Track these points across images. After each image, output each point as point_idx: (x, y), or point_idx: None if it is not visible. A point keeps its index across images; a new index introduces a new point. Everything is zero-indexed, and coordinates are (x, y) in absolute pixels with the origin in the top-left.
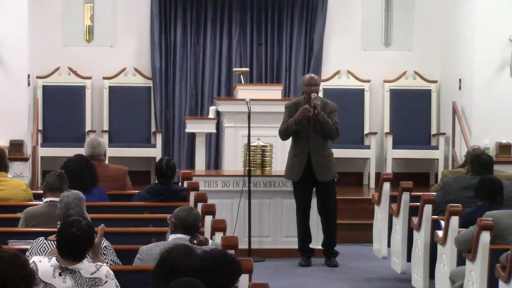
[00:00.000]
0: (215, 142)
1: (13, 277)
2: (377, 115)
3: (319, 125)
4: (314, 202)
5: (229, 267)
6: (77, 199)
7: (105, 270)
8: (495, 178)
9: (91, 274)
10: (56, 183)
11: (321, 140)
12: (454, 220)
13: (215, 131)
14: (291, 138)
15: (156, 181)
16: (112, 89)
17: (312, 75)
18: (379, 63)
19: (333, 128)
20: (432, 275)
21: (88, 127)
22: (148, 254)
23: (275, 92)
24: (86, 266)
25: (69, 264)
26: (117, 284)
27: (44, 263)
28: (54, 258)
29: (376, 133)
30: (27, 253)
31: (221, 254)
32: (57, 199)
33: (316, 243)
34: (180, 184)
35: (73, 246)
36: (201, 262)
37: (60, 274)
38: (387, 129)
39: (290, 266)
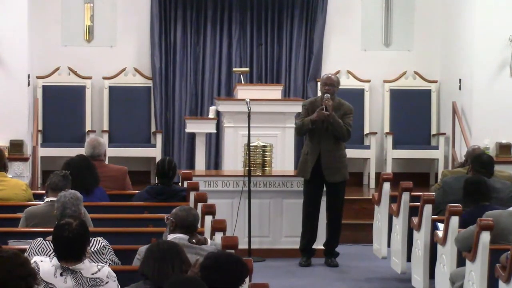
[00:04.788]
0: (215, 142)
1: (13, 276)
2: (377, 115)
3: (329, 125)
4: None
5: (238, 268)
6: (73, 199)
7: (106, 271)
8: (476, 178)
9: (92, 274)
10: (61, 183)
11: (333, 141)
12: (454, 220)
13: (215, 131)
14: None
15: (157, 181)
16: (112, 89)
17: (330, 75)
18: (379, 63)
19: (343, 129)
20: (432, 275)
21: (88, 127)
22: None
23: (275, 92)
24: (87, 266)
25: (70, 264)
26: (119, 286)
27: (45, 263)
28: (55, 258)
29: (376, 133)
30: (26, 254)
31: (232, 255)
32: None
33: (316, 243)
34: (180, 184)
35: (70, 249)
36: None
37: (61, 274)
38: (387, 129)
39: (290, 266)
